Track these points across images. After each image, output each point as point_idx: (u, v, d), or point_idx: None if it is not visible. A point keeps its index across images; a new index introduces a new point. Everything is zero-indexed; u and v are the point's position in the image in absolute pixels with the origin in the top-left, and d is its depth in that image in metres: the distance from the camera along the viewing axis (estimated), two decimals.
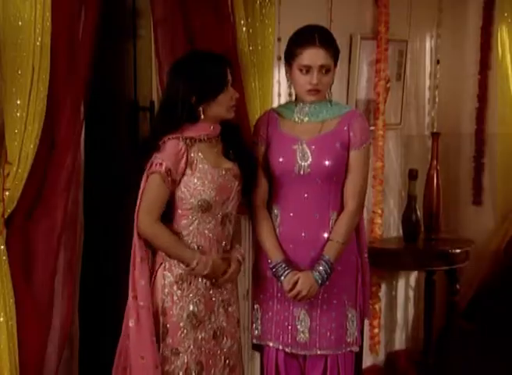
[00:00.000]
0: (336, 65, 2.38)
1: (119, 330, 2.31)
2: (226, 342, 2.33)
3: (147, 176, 2.24)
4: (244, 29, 2.75)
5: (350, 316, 2.41)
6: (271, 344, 2.42)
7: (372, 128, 3.50)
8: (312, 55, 2.29)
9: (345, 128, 2.36)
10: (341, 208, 2.38)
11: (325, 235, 2.35)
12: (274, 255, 2.34)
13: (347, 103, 3.49)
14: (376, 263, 3.05)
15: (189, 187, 2.23)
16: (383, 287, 3.76)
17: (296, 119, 2.40)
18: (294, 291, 2.29)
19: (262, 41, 2.85)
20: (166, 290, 2.25)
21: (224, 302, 2.33)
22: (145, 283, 2.25)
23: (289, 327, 2.39)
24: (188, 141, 2.24)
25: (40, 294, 2.31)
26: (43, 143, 2.25)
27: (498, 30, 3.58)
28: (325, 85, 2.35)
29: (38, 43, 2.16)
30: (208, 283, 2.28)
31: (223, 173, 2.27)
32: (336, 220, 2.36)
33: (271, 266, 2.35)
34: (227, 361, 2.33)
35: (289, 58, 2.36)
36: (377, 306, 3.63)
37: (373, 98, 3.60)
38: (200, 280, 2.26)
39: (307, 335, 2.37)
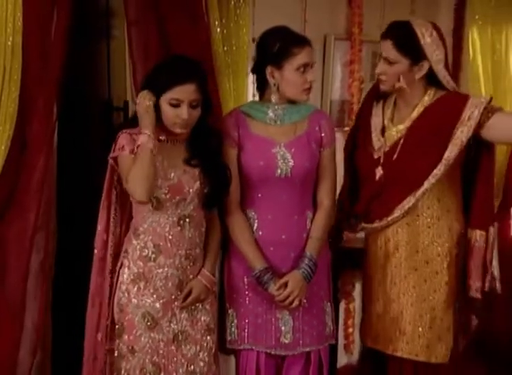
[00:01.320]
0: None
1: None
2: (190, 348, 2.30)
3: (110, 163, 2.24)
4: (219, 29, 2.76)
5: (327, 310, 2.46)
6: (252, 348, 2.39)
7: (346, 129, 3.52)
8: (309, 53, 2.30)
9: (316, 128, 2.38)
10: (314, 208, 2.42)
11: (304, 235, 2.37)
12: (257, 263, 2.32)
13: (321, 104, 3.51)
14: (350, 263, 3.07)
15: None
16: (357, 286, 3.78)
17: (269, 121, 2.36)
18: (286, 292, 2.29)
19: (237, 41, 2.86)
20: (124, 287, 2.26)
21: (189, 307, 2.30)
22: (102, 280, 2.29)
23: (273, 329, 2.38)
24: None
25: (13, 296, 2.30)
26: (15, 144, 2.24)
27: (469, 33, 3.63)
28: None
29: (9, 43, 2.15)
30: (170, 284, 2.26)
31: (180, 173, 2.24)
32: (312, 220, 2.39)
33: (254, 273, 2.32)
34: (190, 367, 2.31)
35: (281, 58, 2.28)
36: (351, 306, 3.65)
37: (347, 99, 3.62)
38: (159, 280, 2.25)
39: (290, 335, 2.38)
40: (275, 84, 2.31)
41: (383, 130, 2.50)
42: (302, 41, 2.30)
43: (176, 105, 2.17)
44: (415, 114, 2.44)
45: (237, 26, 2.85)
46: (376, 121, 2.52)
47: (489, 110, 2.36)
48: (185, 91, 2.16)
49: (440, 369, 2.51)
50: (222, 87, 2.78)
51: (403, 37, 2.38)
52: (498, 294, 2.79)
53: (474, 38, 3.59)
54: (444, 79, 2.44)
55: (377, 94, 2.56)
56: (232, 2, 2.83)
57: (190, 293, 2.29)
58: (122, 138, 2.21)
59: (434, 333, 2.46)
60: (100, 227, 2.31)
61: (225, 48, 2.81)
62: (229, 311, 2.43)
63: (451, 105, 2.41)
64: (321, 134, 2.39)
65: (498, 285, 2.54)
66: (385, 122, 2.51)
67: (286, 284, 2.31)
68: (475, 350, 3.55)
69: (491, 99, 2.41)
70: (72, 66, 2.42)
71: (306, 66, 2.29)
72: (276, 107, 2.36)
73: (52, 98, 2.34)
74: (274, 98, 2.34)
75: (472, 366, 3.41)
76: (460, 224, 2.50)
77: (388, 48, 2.39)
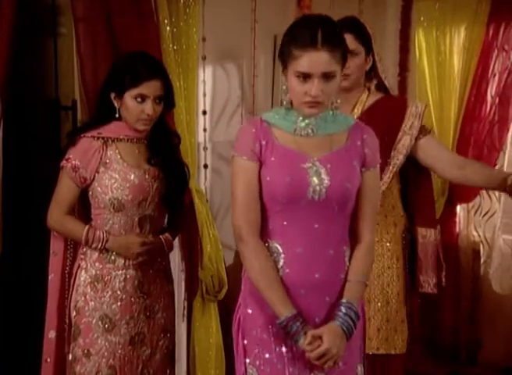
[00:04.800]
0: (343, 66, 1.89)
1: (39, 334, 2.27)
2: (146, 350, 2.29)
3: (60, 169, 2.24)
4: (168, 28, 2.73)
5: (359, 373, 2.01)
6: None
7: None
8: (313, 61, 1.80)
9: (358, 143, 1.95)
10: (350, 242, 1.97)
11: (342, 276, 1.91)
12: (284, 309, 1.82)
13: (272, 104, 3.52)
14: None
15: (101, 184, 2.21)
16: None
17: (298, 132, 1.92)
18: (321, 350, 1.80)
19: (186, 40, 2.84)
20: (80, 289, 2.24)
21: (147, 309, 2.29)
22: (54, 277, 2.27)
23: None
24: (106, 139, 2.23)
25: None
26: None
27: (415, 34, 3.71)
28: (329, 95, 1.86)
29: None
30: (129, 286, 2.25)
31: (140, 173, 2.24)
32: (349, 257, 1.94)
33: (280, 321, 1.83)
34: (145, 370, 2.30)
35: (284, 58, 1.88)
36: None
37: None
38: (118, 282, 2.23)
39: None
40: (284, 85, 1.92)
41: None
42: (305, 44, 1.81)
43: (141, 100, 2.18)
44: (356, 111, 2.51)
45: (187, 24, 2.84)
46: None
47: (422, 130, 2.49)
48: (151, 87, 2.19)
49: (394, 362, 2.58)
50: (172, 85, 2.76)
51: (360, 29, 2.51)
52: (445, 292, 2.88)
53: (420, 39, 3.69)
54: (383, 74, 2.54)
55: None
56: (182, 1, 2.81)
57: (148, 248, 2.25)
58: (80, 146, 2.21)
59: (391, 326, 2.52)
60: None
61: (175, 47, 2.79)
62: (249, 370, 1.93)
63: (392, 112, 2.49)
64: (365, 151, 1.94)
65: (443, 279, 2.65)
66: None
67: (320, 338, 1.82)
68: (424, 345, 3.66)
69: (425, 107, 2.53)
70: (19, 64, 2.37)
71: (308, 76, 1.82)
72: (304, 115, 1.92)
73: None
74: (285, 102, 1.94)
75: (421, 360, 3.52)
76: (404, 219, 2.58)
77: (350, 41, 2.40)
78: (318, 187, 1.86)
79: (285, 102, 1.93)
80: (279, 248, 1.90)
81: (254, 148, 1.89)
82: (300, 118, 1.91)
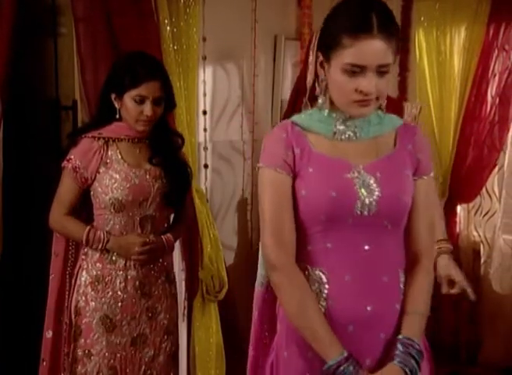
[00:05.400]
0: (394, 59, 1.55)
1: (38, 334, 2.27)
2: (148, 351, 2.29)
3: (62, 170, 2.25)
4: (168, 28, 2.74)
5: None
6: None
7: None
8: (367, 51, 1.49)
9: (409, 147, 1.65)
10: (405, 266, 1.65)
11: (398, 307, 1.60)
12: (332, 350, 1.51)
13: (273, 104, 3.53)
14: None
15: (102, 184, 2.21)
16: None
17: (337, 136, 1.62)
18: None
19: (187, 40, 2.85)
20: (81, 290, 2.24)
21: (149, 310, 2.28)
22: (54, 277, 2.27)
23: None
24: (106, 140, 2.23)
25: None
26: None
27: (415, 34, 3.71)
28: (382, 93, 1.56)
29: None
30: (129, 287, 2.24)
31: (141, 173, 2.24)
32: (404, 283, 1.63)
33: (329, 366, 1.51)
34: (148, 371, 2.29)
35: (327, 48, 1.55)
36: None
37: None
38: (118, 283, 2.23)
39: None
40: (322, 81, 1.61)
41: None
42: (359, 29, 1.49)
43: (140, 101, 2.17)
44: None
45: (187, 24, 2.84)
46: None
47: None
48: (150, 88, 2.18)
49: None
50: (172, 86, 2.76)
51: None
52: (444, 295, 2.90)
53: (420, 39, 3.68)
54: None
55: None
56: (182, 1, 2.81)
57: (150, 247, 2.24)
58: (81, 146, 2.21)
59: None
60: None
61: (175, 47, 2.79)
62: None
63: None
64: (417, 156, 1.65)
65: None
66: None
67: None
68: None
69: (421, 109, 2.51)
70: (19, 64, 2.38)
71: (360, 69, 1.51)
72: (345, 116, 1.62)
73: None
74: (320, 102, 1.64)
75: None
76: None
77: None
78: (367, 201, 1.57)
79: (320, 101, 1.62)
80: (323, 276, 1.58)
81: (287, 157, 1.59)
82: (340, 120, 1.62)
